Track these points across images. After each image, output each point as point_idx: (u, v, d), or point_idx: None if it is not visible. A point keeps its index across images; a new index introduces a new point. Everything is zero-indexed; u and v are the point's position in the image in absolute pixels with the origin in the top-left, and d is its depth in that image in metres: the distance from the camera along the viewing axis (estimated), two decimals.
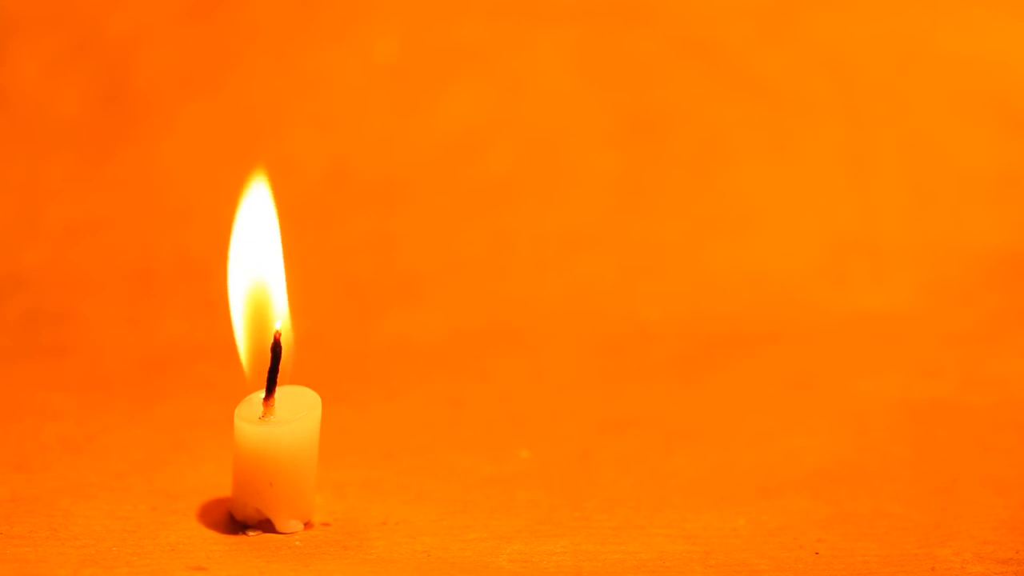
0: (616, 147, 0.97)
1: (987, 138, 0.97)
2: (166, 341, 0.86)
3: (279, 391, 0.64)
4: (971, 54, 0.98)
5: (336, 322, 0.88)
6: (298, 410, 0.64)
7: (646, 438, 0.75)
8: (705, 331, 0.89)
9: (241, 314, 0.65)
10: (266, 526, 0.64)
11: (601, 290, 0.92)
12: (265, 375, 0.64)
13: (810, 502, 0.68)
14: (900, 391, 0.81)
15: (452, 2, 0.99)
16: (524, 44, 0.98)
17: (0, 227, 0.91)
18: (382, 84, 0.97)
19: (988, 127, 0.97)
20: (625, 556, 0.63)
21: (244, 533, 0.64)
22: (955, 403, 0.80)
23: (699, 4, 0.99)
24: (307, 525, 0.64)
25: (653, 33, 0.98)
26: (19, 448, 0.71)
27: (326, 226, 0.93)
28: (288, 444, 0.63)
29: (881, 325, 0.90)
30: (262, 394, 0.64)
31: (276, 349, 0.63)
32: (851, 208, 0.96)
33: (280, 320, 0.65)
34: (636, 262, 0.93)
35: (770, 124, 0.97)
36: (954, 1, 0.99)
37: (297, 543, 0.63)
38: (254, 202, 0.66)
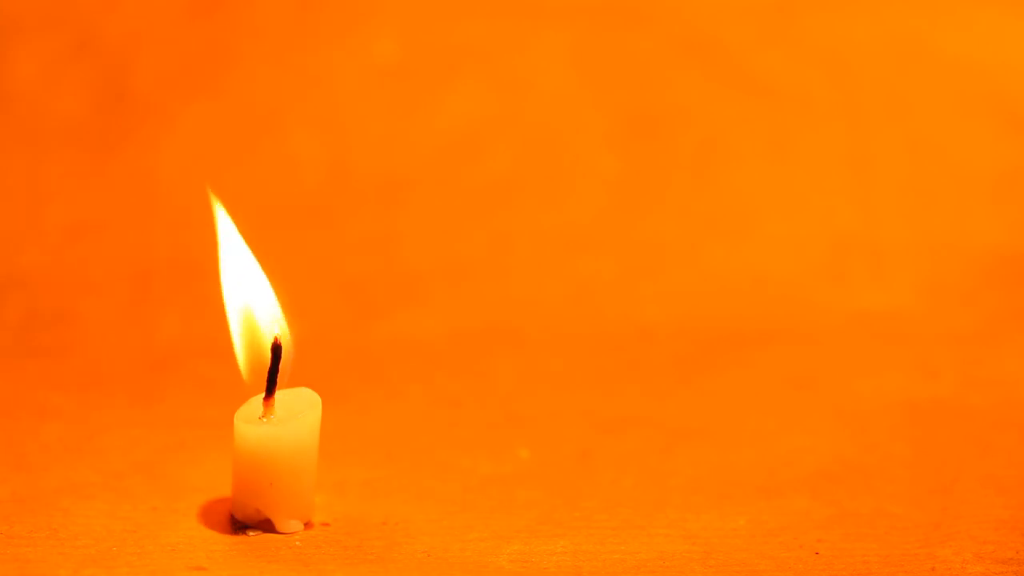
0: (616, 147, 0.97)
1: (987, 138, 0.97)
2: (166, 341, 0.86)
3: (279, 392, 0.64)
4: (971, 54, 0.98)
5: (336, 322, 0.88)
6: (298, 410, 0.64)
7: (646, 438, 0.75)
8: (705, 331, 0.89)
9: (238, 323, 0.65)
10: (266, 526, 0.64)
11: (601, 290, 0.92)
12: (264, 380, 0.64)
13: (810, 502, 0.68)
14: (900, 391, 0.81)
15: (452, 2, 0.99)
16: (524, 44, 0.98)
17: (0, 227, 0.91)
18: (382, 84, 0.97)
19: (988, 127, 0.97)
20: (625, 556, 0.63)
21: (244, 533, 0.64)
22: (955, 403, 0.80)
23: (699, 4, 0.99)
24: (307, 525, 0.64)
25: (653, 33, 0.98)
26: (19, 448, 0.71)
27: (326, 226, 0.93)
28: (288, 444, 0.63)
29: (881, 325, 0.90)
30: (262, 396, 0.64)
31: (276, 350, 0.63)
32: (851, 208, 0.96)
33: (279, 324, 0.65)
34: (636, 262, 0.93)
35: (770, 124, 0.97)
36: (954, 1, 0.99)
37: (297, 543, 0.63)
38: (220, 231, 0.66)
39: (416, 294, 0.91)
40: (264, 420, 0.63)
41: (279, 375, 0.64)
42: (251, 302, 0.65)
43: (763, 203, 0.96)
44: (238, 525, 0.64)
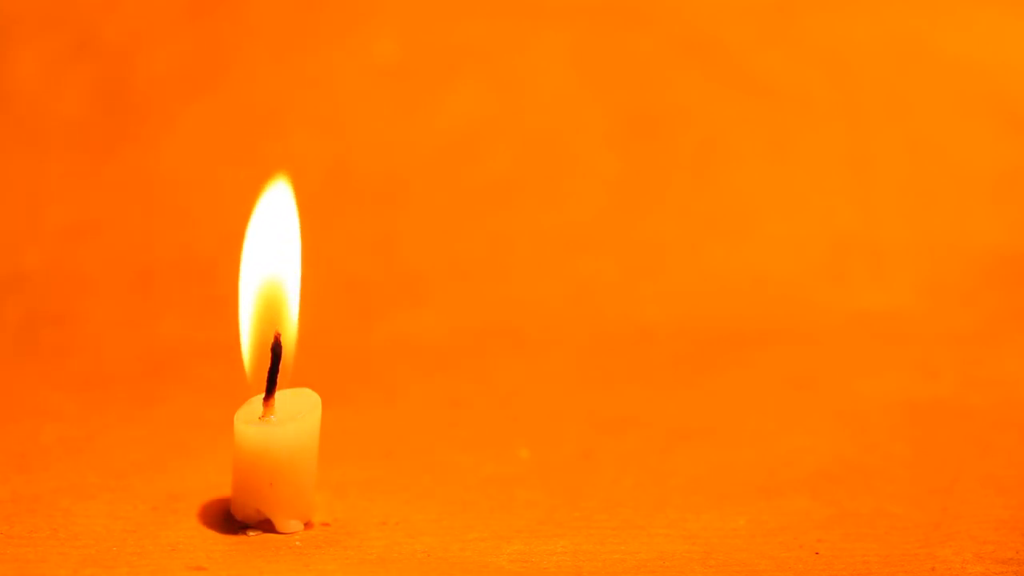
0: (616, 147, 0.97)
1: (987, 138, 0.97)
2: (166, 341, 0.86)
3: (279, 392, 0.64)
4: (971, 54, 0.98)
5: (336, 322, 0.88)
6: (298, 410, 0.64)
7: (646, 438, 0.75)
8: (705, 331, 0.89)
9: (249, 313, 0.65)
10: (266, 526, 0.64)
11: (601, 290, 0.92)
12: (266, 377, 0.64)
13: (810, 502, 0.68)
14: (900, 391, 0.81)
15: (452, 2, 0.99)
16: (524, 44, 0.98)
17: (0, 227, 0.91)
18: (382, 84, 0.97)
19: (988, 127, 0.97)
20: (625, 556, 0.63)
21: (244, 533, 0.64)
22: (955, 403, 0.80)
23: (699, 4, 0.99)
24: (307, 525, 0.64)
25: (653, 33, 0.98)
26: (19, 448, 0.71)
27: (326, 226, 0.93)
28: (288, 444, 0.63)
29: (881, 325, 0.90)
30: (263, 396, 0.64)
31: (276, 349, 0.63)
32: (851, 208, 0.96)
33: (283, 322, 0.65)
34: (636, 262, 0.93)
35: (770, 124, 0.97)
36: (954, 1, 0.99)
37: (297, 543, 0.63)
38: (274, 202, 0.66)
39: (416, 294, 0.91)
40: (264, 420, 0.63)
41: (279, 375, 0.64)
42: (270, 297, 0.65)
43: (763, 203, 0.96)
44: (238, 525, 0.64)
